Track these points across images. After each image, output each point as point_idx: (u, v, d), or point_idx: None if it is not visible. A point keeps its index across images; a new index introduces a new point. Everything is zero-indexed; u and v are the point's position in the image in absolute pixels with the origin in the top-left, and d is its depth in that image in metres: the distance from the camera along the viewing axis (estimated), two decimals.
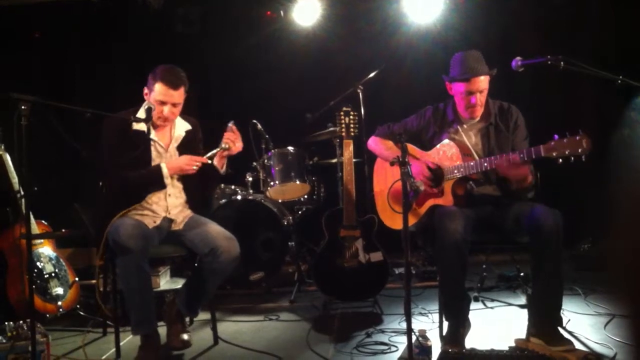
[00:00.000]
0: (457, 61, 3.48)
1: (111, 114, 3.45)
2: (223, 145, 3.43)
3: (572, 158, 2.90)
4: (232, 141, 3.44)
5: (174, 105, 3.45)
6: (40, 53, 5.95)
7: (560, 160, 2.93)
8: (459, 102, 3.51)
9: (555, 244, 3.08)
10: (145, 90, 3.49)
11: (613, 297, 3.65)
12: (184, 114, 3.67)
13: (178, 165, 3.43)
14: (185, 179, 3.55)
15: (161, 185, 3.45)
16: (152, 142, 3.50)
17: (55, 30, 5.97)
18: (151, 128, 3.43)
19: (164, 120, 3.48)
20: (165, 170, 3.40)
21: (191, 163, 3.42)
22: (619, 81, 3.11)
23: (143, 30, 5.92)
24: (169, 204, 3.54)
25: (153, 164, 3.49)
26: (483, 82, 3.42)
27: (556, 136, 2.95)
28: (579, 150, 2.87)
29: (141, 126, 3.43)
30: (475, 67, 3.40)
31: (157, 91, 3.41)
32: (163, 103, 3.42)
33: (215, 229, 3.43)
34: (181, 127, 3.64)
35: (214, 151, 3.45)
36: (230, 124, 3.48)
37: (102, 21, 5.86)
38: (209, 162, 3.44)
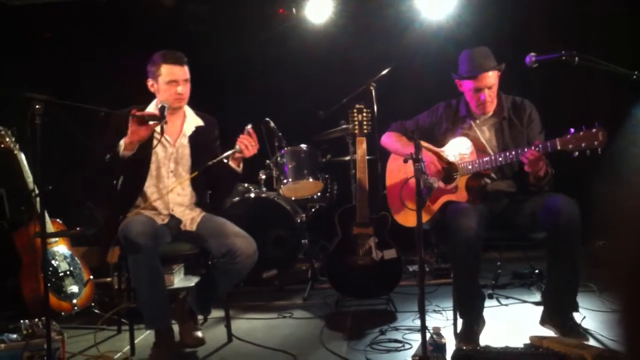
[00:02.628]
0: (464, 58, 3.47)
1: (116, 112, 3.46)
2: (236, 147, 3.40)
3: (588, 151, 2.89)
4: (246, 145, 3.39)
5: (185, 81, 3.47)
6: (51, 52, 5.98)
7: (577, 153, 2.92)
8: (469, 99, 3.50)
9: (573, 234, 3.08)
10: (150, 82, 3.49)
11: (609, 293, 3.64)
12: (201, 112, 3.68)
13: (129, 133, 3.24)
14: (194, 178, 3.54)
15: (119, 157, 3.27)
16: (156, 136, 3.45)
17: (64, 29, 6.00)
18: (166, 123, 3.43)
19: (180, 100, 3.47)
20: (120, 144, 3.27)
21: (132, 128, 3.22)
22: (634, 76, 3.08)
23: (153, 28, 5.93)
24: (171, 201, 3.52)
25: (157, 157, 3.49)
26: (491, 77, 3.40)
27: (572, 130, 2.94)
28: (595, 143, 2.86)
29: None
30: (483, 63, 3.39)
31: (165, 73, 3.42)
32: (175, 82, 3.43)
33: (231, 230, 3.41)
34: (192, 122, 3.62)
35: (229, 152, 3.43)
36: (248, 127, 3.44)
37: (112, 20, 5.89)
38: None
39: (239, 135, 3.43)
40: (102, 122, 3.39)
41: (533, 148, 3.08)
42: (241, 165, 3.52)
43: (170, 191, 3.51)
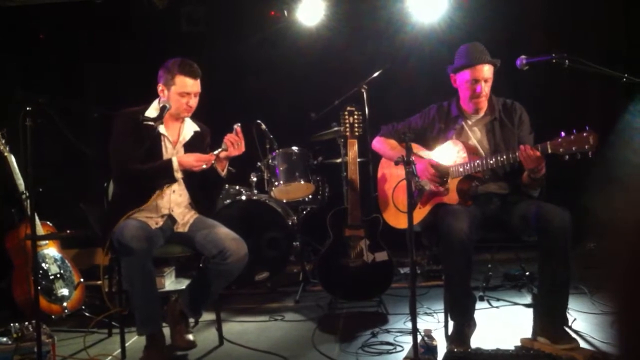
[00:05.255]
0: (462, 51, 3.49)
1: (118, 112, 3.46)
2: (222, 146, 3.42)
3: (579, 155, 2.89)
4: (232, 143, 3.42)
5: (196, 95, 3.50)
6: (47, 54, 5.96)
7: (567, 157, 2.92)
8: (463, 93, 3.50)
9: (563, 243, 3.07)
10: (161, 87, 3.47)
11: (603, 294, 3.65)
12: (196, 119, 3.69)
13: (188, 161, 3.40)
14: (189, 179, 3.54)
15: (171, 179, 3.43)
16: (162, 137, 3.51)
17: (61, 31, 6.00)
18: (162, 124, 3.47)
19: (188, 112, 3.51)
20: (176, 164, 3.38)
21: (200, 162, 3.40)
22: (624, 79, 3.10)
23: (148, 29, 5.93)
24: (172, 201, 3.53)
25: (162, 158, 3.49)
26: (488, 71, 3.42)
27: (562, 133, 2.94)
28: (586, 146, 2.86)
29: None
30: (480, 56, 3.41)
31: (179, 84, 3.42)
32: (187, 95, 3.45)
33: (223, 231, 3.43)
34: (190, 127, 3.64)
35: (217, 151, 3.44)
36: (236, 126, 3.46)
37: (107, 21, 5.88)
38: (215, 157, 3.43)
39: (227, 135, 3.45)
40: (95, 125, 3.39)
41: (538, 147, 3.06)
42: (225, 170, 3.53)
43: (173, 191, 3.53)
